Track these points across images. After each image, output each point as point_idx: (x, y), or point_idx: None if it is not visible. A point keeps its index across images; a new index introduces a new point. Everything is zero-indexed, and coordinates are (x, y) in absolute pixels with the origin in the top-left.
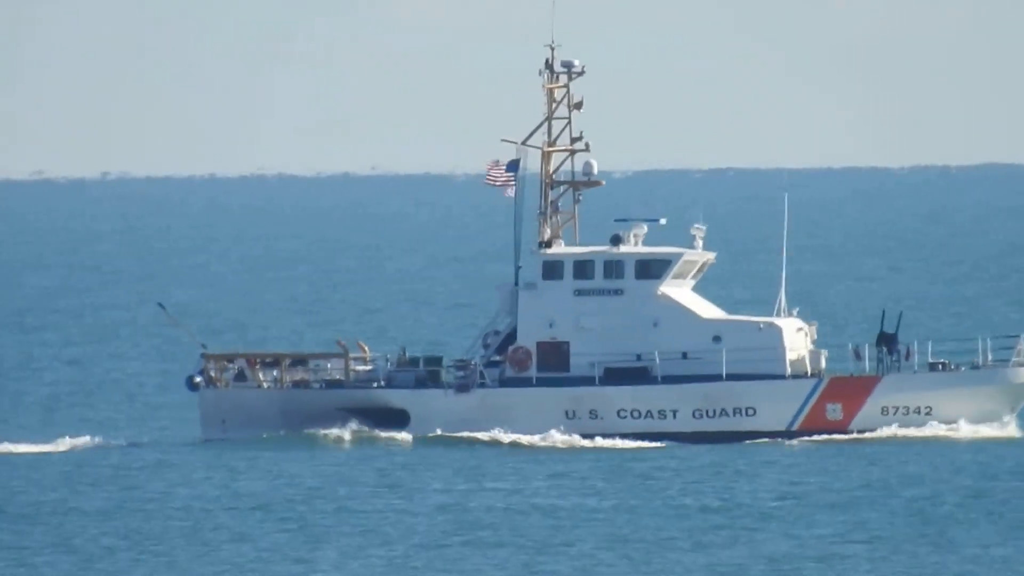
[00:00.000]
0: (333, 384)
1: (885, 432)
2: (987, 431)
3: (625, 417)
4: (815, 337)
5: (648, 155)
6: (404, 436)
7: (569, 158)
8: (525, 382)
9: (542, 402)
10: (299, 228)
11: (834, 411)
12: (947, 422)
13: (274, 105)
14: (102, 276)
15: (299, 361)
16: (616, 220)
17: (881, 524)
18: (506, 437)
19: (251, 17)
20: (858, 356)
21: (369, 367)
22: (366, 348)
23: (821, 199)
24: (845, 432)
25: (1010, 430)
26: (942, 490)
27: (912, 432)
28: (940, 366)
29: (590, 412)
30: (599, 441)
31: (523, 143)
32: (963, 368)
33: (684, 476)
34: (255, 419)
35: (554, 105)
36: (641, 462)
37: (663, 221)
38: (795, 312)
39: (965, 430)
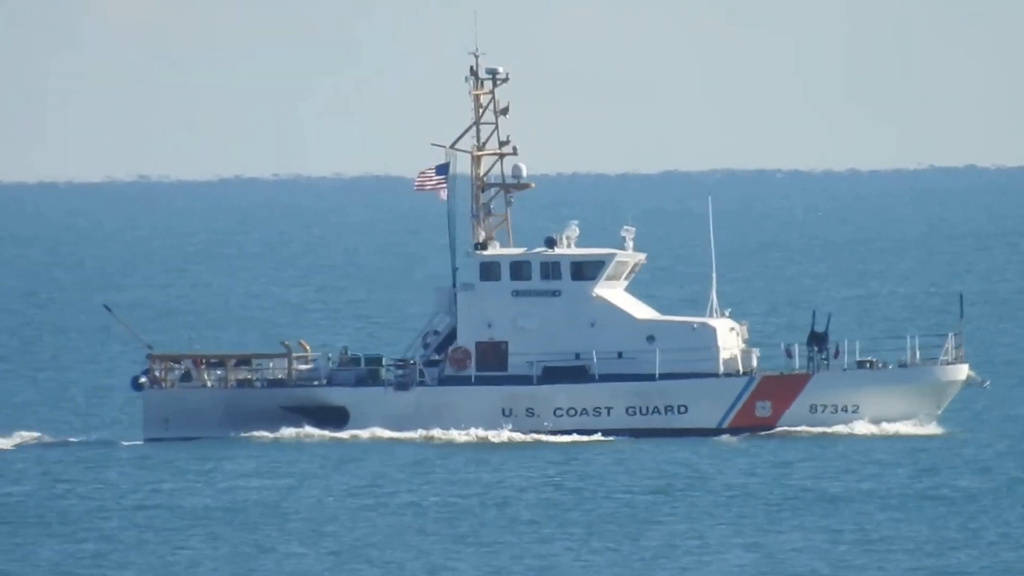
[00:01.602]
0: (275, 383)
1: (811, 429)
2: (911, 429)
3: (561, 415)
4: (747, 336)
5: (575, 158)
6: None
7: (498, 162)
8: (464, 381)
9: (479, 400)
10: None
11: (763, 408)
12: (874, 420)
13: (237, 110)
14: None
15: (244, 361)
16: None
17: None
18: (444, 435)
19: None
20: (789, 355)
21: (309, 366)
22: (307, 347)
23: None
24: (772, 428)
25: (932, 428)
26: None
27: (838, 429)
28: (868, 364)
29: (527, 410)
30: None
31: (452, 147)
32: (891, 366)
33: None
34: (198, 419)
35: (480, 110)
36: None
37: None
38: (727, 312)
39: (891, 427)
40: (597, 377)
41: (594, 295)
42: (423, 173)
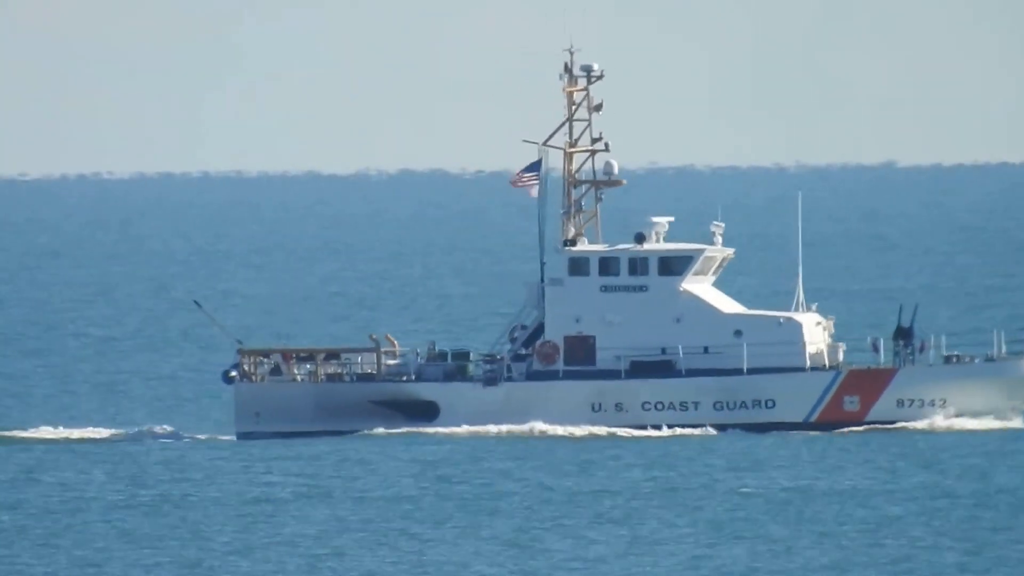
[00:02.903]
0: (364, 377)
1: (900, 424)
2: (998, 423)
3: (649, 409)
4: (833, 331)
5: (665, 154)
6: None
7: (590, 158)
8: (552, 375)
9: (568, 395)
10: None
11: (851, 403)
12: (961, 414)
13: (291, 102)
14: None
15: (332, 355)
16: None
17: None
18: (536, 428)
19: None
20: (876, 349)
21: (398, 361)
22: (395, 342)
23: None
24: (862, 424)
25: (1019, 422)
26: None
27: (926, 424)
28: (955, 359)
29: (615, 405)
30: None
31: (544, 144)
32: (977, 360)
33: None
34: (289, 412)
35: (574, 107)
36: None
37: (671, 219)
38: (814, 307)
39: (978, 422)
40: (684, 372)
41: (681, 290)
42: (520, 172)
